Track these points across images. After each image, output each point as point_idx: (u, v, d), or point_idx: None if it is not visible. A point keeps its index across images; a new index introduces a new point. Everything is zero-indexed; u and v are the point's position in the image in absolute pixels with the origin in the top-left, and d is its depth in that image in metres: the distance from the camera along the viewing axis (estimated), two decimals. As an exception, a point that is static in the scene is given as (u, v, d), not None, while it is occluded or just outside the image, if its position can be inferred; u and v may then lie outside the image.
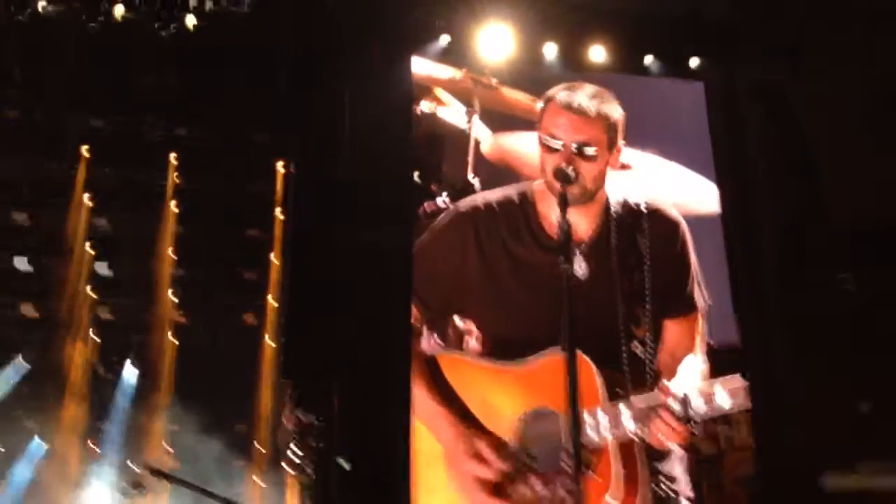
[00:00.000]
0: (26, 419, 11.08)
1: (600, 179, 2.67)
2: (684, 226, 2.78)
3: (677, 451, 2.65)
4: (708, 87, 5.15)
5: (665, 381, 2.42)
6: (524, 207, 2.74)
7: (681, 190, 5.13)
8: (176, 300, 10.70)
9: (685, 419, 2.36)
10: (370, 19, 3.93)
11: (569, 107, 2.61)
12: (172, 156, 9.46)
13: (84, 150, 9.25)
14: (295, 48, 4.62)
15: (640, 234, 2.71)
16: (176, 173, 9.57)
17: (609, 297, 2.63)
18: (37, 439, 11.04)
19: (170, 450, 11.23)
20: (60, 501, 10.57)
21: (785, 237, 4.52)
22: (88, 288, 10.38)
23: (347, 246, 3.86)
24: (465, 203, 2.87)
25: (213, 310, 10.91)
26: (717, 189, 4.79)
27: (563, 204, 2.36)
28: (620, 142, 2.69)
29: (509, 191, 2.84)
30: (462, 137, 5.08)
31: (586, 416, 2.40)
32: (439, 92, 5.23)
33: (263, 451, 11.38)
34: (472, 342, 4.09)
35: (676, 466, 2.63)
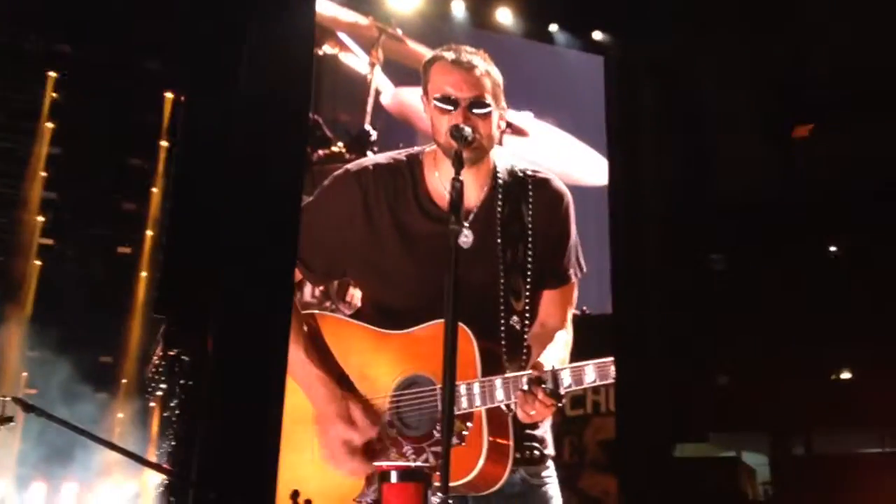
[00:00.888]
0: None
1: (492, 138, 2.65)
2: (569, 198, 2.80)
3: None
4: (607, 62, 5.25)
5: (539, 360, 2.47)
6: (413, 172, 2.69)
7: (571, 160, 5.23)
8: (44, 223, 10.25)
9: (555, 396, 2.41)
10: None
11: (458, 63, 2.59)
12: (52, 73, 8.99)
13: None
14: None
15: (525, 204, 2.71)
16: (54, 93, 9.10)
17: (491, 268, 2.63)
18: None
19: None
20: None
21: (666, 213, 4.68)
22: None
23: (235, 185, 3.76)
24: (355, 164, 2.80)
25: (86, 237, 10.51)
26: (607, 162, 4.91)
27: (458, 163, 2.33)
28: (503, 103, 2.69)
29: (399, 154, 2.80)
30: (362, 85, 5.02)
31: (462, 388, 2.43)
32: (343, 36, 5.14)
33: (127, 384, 11.12)
34: (356, 299, 4.06)
35: (544, 428, 2.70)
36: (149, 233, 10.14)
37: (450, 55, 2.62)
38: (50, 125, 9.31)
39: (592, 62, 5.25)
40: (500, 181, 2.69)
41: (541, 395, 2.39)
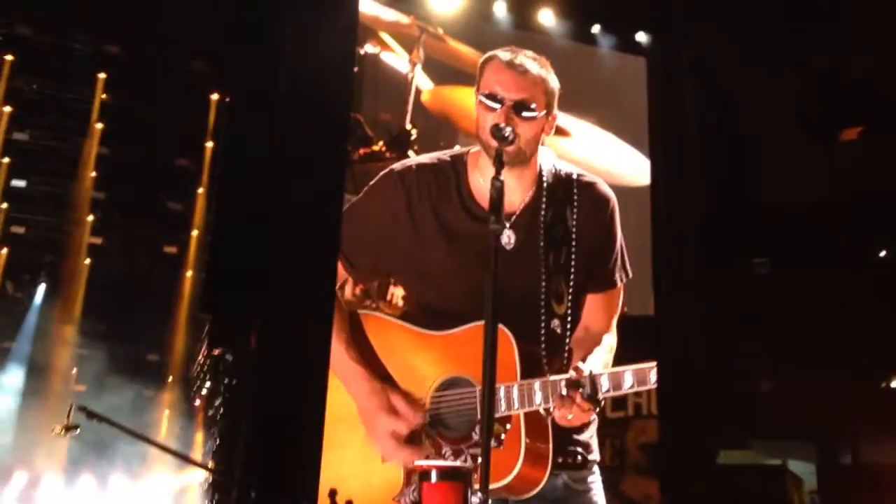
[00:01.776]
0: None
1: (535, 143, 2.62)
2: (614, 202, 2.77)
3: (591, 419, 2.70)
4: (650, 63, 5.21)
5: (580, 364, 2.45)
6: (456, 172, 2.69)
7: (613, 160, 5.20)
8: (94, 222, 10.44)
9: (593, 401, 2.39)
10: (321, -47, 3.84)
11: (511, 64, 2.59)
12: (101, 75, 9.15)
13: (7, 58, 8.87)
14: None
15: (569, 206, 2.69)
16: (104, 94, 9.26)
17: (534, 270, 2.62)
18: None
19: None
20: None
21: (710, 216, 4.63)
22: (3, 203, 10.04)
23: (279, 183, 3.80)
24: (400, 164, 2.81)
25: (133, 236, 10.68)
26: (649, 163, 4.87)
27: (499, 163, 2.33)
28: (556, 111, 2.67)
29: (444, 155, 2.80)
30: (403, 85, 5.04)
31: (500, 390, 2.42)
32: (384, 36, 5.16)
33: (173, 382, 11.28)
34: (401, 293, 4.08)
35: (589, 433, 2.68)
36: (194, 232, 10.28)
37: (505, 55, 2.62)
38: (99, 125, 9.48)
39: (635, 63, 5.21)
40: (545, 183, 2.68)
41: (578, 400, 2.37)
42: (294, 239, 3.78)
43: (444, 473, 2.12)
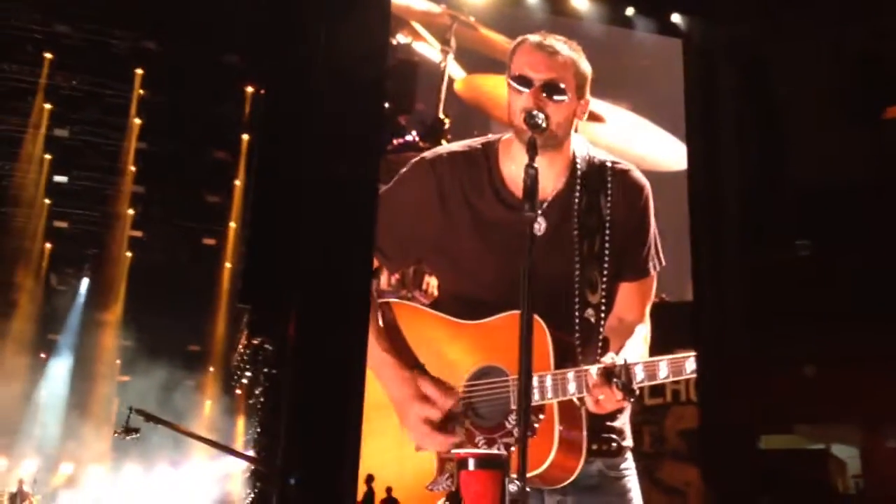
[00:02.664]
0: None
1: (566, 127, 2.57)
2: (648, 189, 2.73)
3: (624, 404, 2.68)
4: (685, 45, 5.14)
5: (613, 354, 2.43)
6: (488, 159, 2.65)
7: (649, 145, 5.15)
8: (134, 216, 10.57)
9: (627, 391, 2.37)
10: (352, -56, 3.85)
11: (540, 46, 2.55)
12: (139, 70, 9.24)
13: (47, 56, 8.99)
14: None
15: (603, 194, 2.65)
16: (141, 90, 9.36)
17: (567, 259, 2.59)
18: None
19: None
20: (10, 415, 10.53)
21: (748, 198, 4.56)
22: (46, 198, 10.21)
23: (313, 174, 3.83)
24: (431, 152, 2.79)
25: (173, 229, 10.81)
26: (686, 146, 4.81)
27: (532, 150, 2.31)
28: (588, 96, 2.63)
29: (475, 142, 2.77)
30: (435, 74, 5.02)
31: (534, 379, 2.39)
32: (416, 25, 5.15)
33: (214, 372, 11.42)
34: (434, 287, 4.07)
35: (623, 420, 2.66)
36: (232, 224, 10.37)
37: (535, 38, 2.59)
38: (137, 121, 9.59)
39: (670, 45, 5.14)
40: (579, 171, 2.65)
41: (613, 390, 2.36)
42: (329, 229, 3.80)
43: (482, 461, 2.12)
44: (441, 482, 2.50)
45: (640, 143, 5.12)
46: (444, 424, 2.55)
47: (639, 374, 2.42)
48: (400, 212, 2.73)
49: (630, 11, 5.34)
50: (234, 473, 9.19)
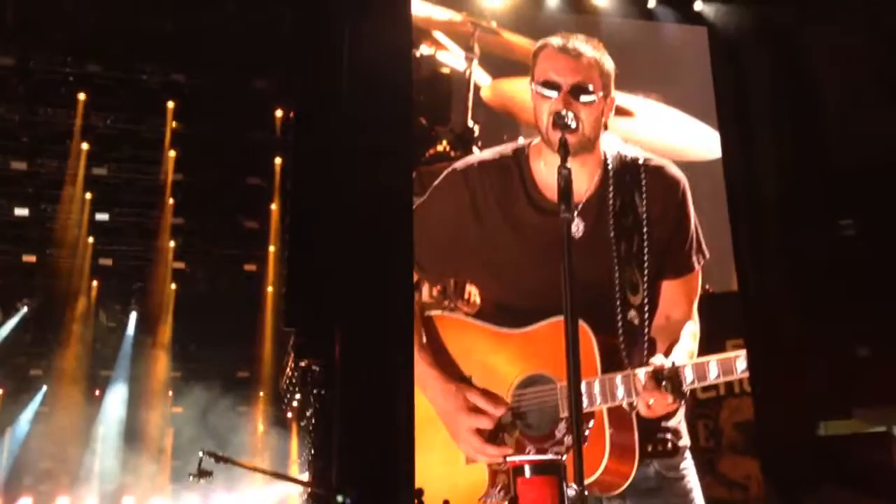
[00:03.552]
0: (30, 367, 11.19)
1: (597, 127, 2.57)
2: (685, 183, 2.69)
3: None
4: (711, 32, 5.08)
5: (661, 356, 2.39)
6: (519, 165, 2.65)
7: (681, 136, 5.08)
8: (175, 248, 10.71)
9: (677, 394, 2.33)
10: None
11: (564, 49, 2.55)
12: (170, 104, 9.36)
13: (81, 96, 9.15)
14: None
15: (638, 193, 2.63)
16: (174, 123, 9.48)
17: (605, 260, 2.57)
18: (43, 389, 11.17)
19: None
20: (66, 449, 10.72)
21: (786, 182, 4.49)
22: (89, 237, 10.38)
23: (348, 193, 3.84)
24: (462, 162, 2.79)
25: (214, 258, 10.92)
26: (719, 134, 4.75)
27: (564, 150, 2.29)
28: (614, 92, 2.61)
29: (506, 149, 2.77)
30: (461, 82, 5.02)
31: (582, 386, 2.38)
32: (438, 35, 5.15)
33: (265, 397, 11.49)
34: (475, 296, 4.06)
35: (678, 419, 2.62)
36: (271, 248, 10.45)
37: (557, 41, 2.59)
38: (172, 153, 9.71)
39: (696, 34, 5.09)
40: (611, 171, 2.63)
41: (662, 393, 2.32)
42: (367, 246, 3.81)
43: (538, 468, 2.10)
44: (493, 494, 2.49)
45: (671, 135, 5.07)
46: (495, 434, 2.54)
47: (688, 376, 2.38)
48: (435, 224, 2.73)
49: (652, 3, 5.31)
50: (291, 495, 9.22)
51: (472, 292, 4.42)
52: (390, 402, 3.45)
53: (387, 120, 3.93)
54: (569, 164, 2.21)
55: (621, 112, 5.07)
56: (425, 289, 3.75)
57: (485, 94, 5.01)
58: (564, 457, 2.06)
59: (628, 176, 2.64)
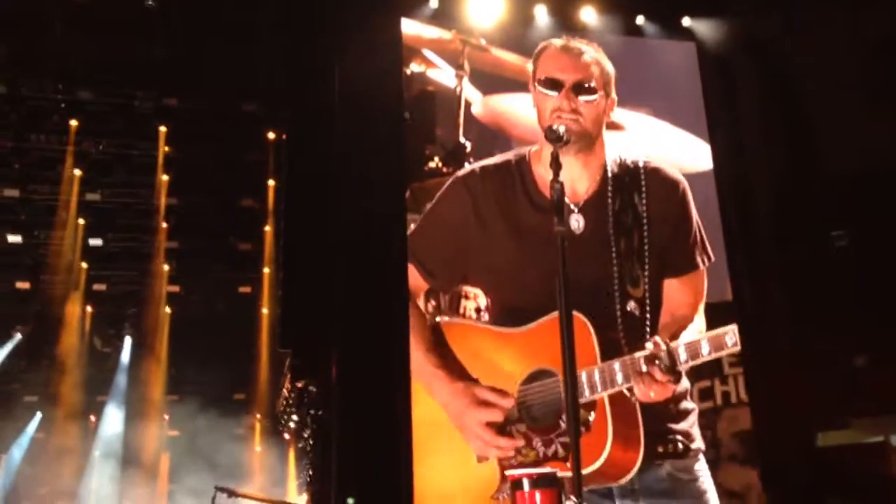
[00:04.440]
0: (25, 394, 11.15)
1: (599, 125, 2.60)
2: (685, 184, 2.73)
3: (689, 407, 2.67)
4: (699, 46, 5.14)
5: (656, 338, 2.42)
6: (520, 168, 2.70)
7: (673, 149, 5.13)
8: (169, 271, 10.70)
9: (672, 373, 2.36)
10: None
11: (566, 48, 2.61)
12: (162, 128, 9.38)
13: (72, 123, 9.17)
14: (283, 13, 4.57)
15: (637, 193, 2.66)
16: (167, 147, 9.49)
17: (605, 256, 2.60)
18: (38, 415, 11.12)
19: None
20: (62, 475, 10.67)
21: (777, 191, 4.52)
22: (83, 262, 10.37)
23: (341, 212, 3.85)
24: (464, 170, 2.85)
25: (209, 281, 10.92)
26: (710, 146, 4.79)
27: (556, 165, 2.32)
28: (614, 94, 2.66)
29: (507, 155, 2.82)
30: (452, 99, 5.06)
31: (582, 376, 2.42)
32: (428, 53, 5.19)
33: (262, 419, 11.46)
34: (473, 305, 4.07)
35: (689, 422, 2.64)
36: (266, 270, 10.45)
37: (559, 42, 2.64)
38: (165, 177, 9.72)
39: (684, 49, 5.15)
40: (611, 172, 2.67)
41: (657, 375, 2.35)
42: (362, 265, 3.82)
43: (537, 481, 2.10)
44: (505, 490, 2.49)
45: (661, 147, 5.11)
46: (504, 427, 2.56)
47: (682, 355, 2.40)
48: (441, 232, 2.76)
49: (640, 20, 5.36)
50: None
51: (478, 295, 4.44)
52: (388, 422, 3.45)
53: (379, 138, 3.95)
54: (570, 163, 2.25)
55: (612, 126, 5.11)
56: (420, 301, 3.78)
57: (476, 110, 5.05)
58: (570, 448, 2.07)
59: (628, 178, 2.68)
